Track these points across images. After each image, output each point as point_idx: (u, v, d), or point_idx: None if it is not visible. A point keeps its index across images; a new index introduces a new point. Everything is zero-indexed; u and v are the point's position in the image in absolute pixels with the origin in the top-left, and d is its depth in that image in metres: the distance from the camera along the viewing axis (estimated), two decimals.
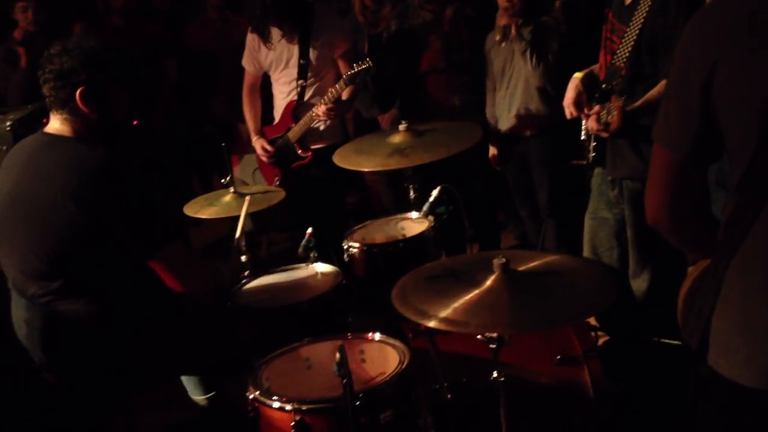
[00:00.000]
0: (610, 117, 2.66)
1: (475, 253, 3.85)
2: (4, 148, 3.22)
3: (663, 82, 2.68)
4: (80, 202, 2.25)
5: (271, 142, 4.10)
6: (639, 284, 2.96)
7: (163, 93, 5.07)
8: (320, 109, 3.78)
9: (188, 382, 2.81)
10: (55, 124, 2.41)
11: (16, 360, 2.50)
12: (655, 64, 2.70)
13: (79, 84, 2.31)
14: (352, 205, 5.66)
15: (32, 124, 3.29)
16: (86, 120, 2.37)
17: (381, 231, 3.26)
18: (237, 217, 3.13)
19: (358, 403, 2.01)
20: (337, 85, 3.74)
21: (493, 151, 4.12)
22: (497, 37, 3.81)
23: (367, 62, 3.63)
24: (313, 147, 4.01)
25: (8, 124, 3.27)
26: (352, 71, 3.66)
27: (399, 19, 4.14)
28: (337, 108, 3.82)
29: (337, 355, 1.96)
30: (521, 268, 2.09)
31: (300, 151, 4.02)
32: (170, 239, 2.40)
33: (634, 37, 2.68)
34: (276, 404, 2.11)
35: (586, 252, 3.09)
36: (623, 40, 2.72)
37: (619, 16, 2.77)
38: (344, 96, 3.83)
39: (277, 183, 4.10)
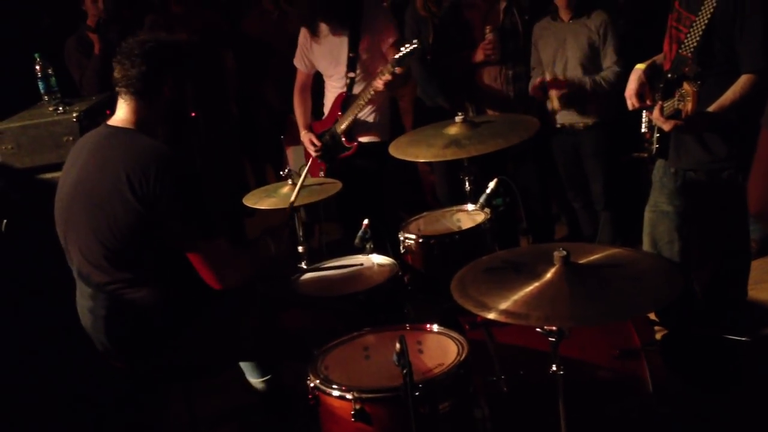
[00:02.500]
0: (681, 104, 2.61)
1: (535, 245, 3.82)
2: (71, 138, 3.31)
3: (745, 77, 2.61)
4: (138, 191, 2.32)
5: (319, 136, 4.11)
6: (702, 278, 2.91)
7: (222, 85, 5.13)
8: (379, 82, 3.74)
9: (246, 365, 2.86)
10: (120, 114, 2.49)
11: (82, 348, 2.58)
12: (727, 53, 2.64)
13: (170, 73, 2.45)
14: (404, 197, 5.68)
15: (97, 115, 3.38)
16: (156, 108, 2.46)
17: (437, 223, 3.27)
18: (291, 208, 3.17)
19: (417, 393, 2.03)
20: (385, 69, 3.71)
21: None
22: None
23: (414, 42, 3.60)
24: (360, 139, 4.01)
25: (74, 115, 3.36)
26: (400, 53, 3.64)
27: (453, 9, 4.12)
28: (396, 79, 3.75)
29: (398, 346, 1.98)
30: (582, 261, 2.08)
31: (345, 142, 4.03)
32: (215, 235, 2.43)
33: (703, 26, 2.62)
34: (336, 392, 2.14)
35: (646, 245, 3.04)
36: (691, 30, 2.65)
37: (686, 4, 2.71)
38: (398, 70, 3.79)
39: (322, 176, 4.12)
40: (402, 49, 3.65)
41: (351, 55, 3.91)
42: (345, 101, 4.00)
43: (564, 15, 3.91)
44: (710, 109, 2.63)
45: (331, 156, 4.10)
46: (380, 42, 3.93)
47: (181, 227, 2.38)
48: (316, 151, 4.10)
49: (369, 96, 3.84)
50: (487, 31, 4.01)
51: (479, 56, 4.05)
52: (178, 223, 2.37)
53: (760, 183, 1.51)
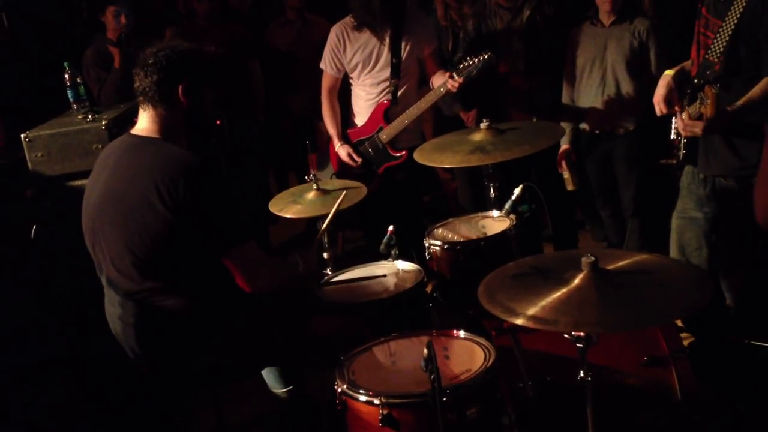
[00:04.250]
0: (703, 108, 2.61)
1: (562, 251, 3.80)
2: (100, 146, 3.34)
3: (766, 80, 2.61)
4: (168, 201, 2.34)
5: (357, 144, 4.10)
6: (731, 284, 2.90)
7: (249, 95, 5.16)
8: (455, 84, 3.70)
9: (268, 375, 2.87)
10: (143, 124, 2.52)
11: (115, 348, 2.61)
12: (754, 58, 2.63)
13: (183, 79, 2.46)
14: (428, 204, 5.69)
15: (125, 123, 3.41)
16: (177, 116, 2.49)
17: (462, 229, 3.27)
18: (316, 216, 3.19)
19: (445, 399, 2.03)
20: (452, 77, 3.70)
21: (564, 147, 4.06)
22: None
23: (488, 53, 3.59)
24: (403, 146, 4.00)
25: (103, 123, 3.40)
26: (469, 63, 3.63)
27: (476, 18, 4.13)
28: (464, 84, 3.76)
29: (425, 351, 1.98)
30: (610, 267, 2.07)
31: (394, 153, 4.00)
32: (245, 239, 2.46)
33: (730, 32, 2.62)
34: (363, 398, 2.15)
35: (673, 252, 3.03)
36: (718, 35, 2.66)
37: (714, 10, 2.71)
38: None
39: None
40: (468, 59, 3.65)
41: (394, 61, 3.89)
42: (388, 110, 3.97)
43: (605, 19, 3.88)
44: (738, 103, 2.62)
45: (370, 165, 4.07)
46: (421, 48, 3.93)
47: (213, 234, 2.41)
48: (357, 166, 4.05)
49: (431, 103, 3.83)
50: (513, 42, 4.01)
51: (504, 67, 4.05)
52: (210, 230, 2.40)
53: (765, 192, 1.49)
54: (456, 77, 3.68)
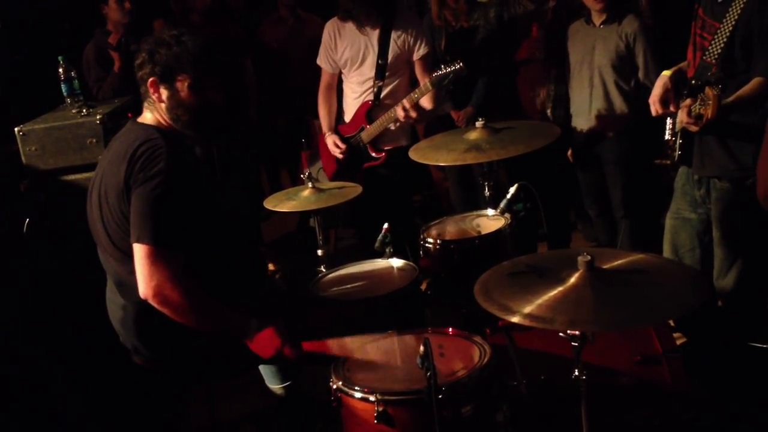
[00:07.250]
0: (703, 108, 2.62)
1: (558, 250, 3.81)
2: (94, 140, 3.34)
3: (756, 80, 2.63)
4: (127, 179, 2.32)
5: (343, 141, 4.09)
6: (724, 285, 2.91)
7: (243, 93, 5.15)
8: (404, 114, 3.70)
9: (266, 371, 2.86)
10: (145, 113, 2.54)
11: (108, 344, 2.60)
12: (748, 60, 2.65)
13: (150, 75, 2.44)
14: (419, 203, 5.70)
15: (120, 118, 3.41)
16: (162, 110, 2.47)
17: (456, 227, 3.27)
18: (306, 214, 3.17)
19: (440, 396, 2.04)
20: (422, 87, 3.69)
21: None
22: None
23: (459, 63, 3.56)
24: (385, 148, 3.99)
25: (98, 117, 3.39)
26: (441, 72, 3.60)
27: (499, 7, 4.12)
28: (422, 115, 3.77)
29: (422, 348, 1.99)
30: (606, 266, 2.08)
31: (373, 153, 4.00)
32: (161, 242, 2.28)
33: (727, 34, 2.63)
34: (359, 395, 2.15)
35: (667, 252, 3.05)
36: (715, 37, 2.67)
37: (711, 12, 2.72)
38: (427, 104, 3.80)
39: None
40: (443, 67, 3.61)
41: (380, 61, 3.87)
42: (370, 110, 3.96)
43: (596, 19, 3.86)
44: (729, 99, 2.63)
45: (353, 162, 4.08)
46: (411, 51, 3.90)
47: (133, 217, 2.31)
48: (341, 153, 4.05)
49: (390, 119, 3.83)
50: (535, 29, 4.01)
51: (523, 54, 4.05)
52: (133, 212, 2.31)
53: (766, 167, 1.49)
54: (429, 85, 3.65)
